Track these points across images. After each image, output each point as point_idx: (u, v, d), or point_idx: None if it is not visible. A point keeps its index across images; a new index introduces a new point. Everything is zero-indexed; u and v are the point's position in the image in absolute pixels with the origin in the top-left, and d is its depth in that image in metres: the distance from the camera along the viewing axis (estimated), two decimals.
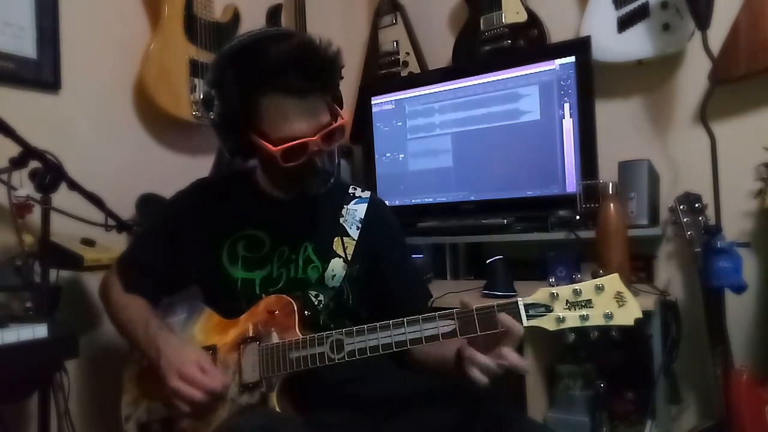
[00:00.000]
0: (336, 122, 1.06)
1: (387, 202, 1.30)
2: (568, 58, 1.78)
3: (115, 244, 1.48)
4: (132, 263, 1.22)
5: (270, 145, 1.01)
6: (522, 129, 1.86)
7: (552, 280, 0.89)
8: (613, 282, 0.87)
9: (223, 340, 1.09)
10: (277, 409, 0.99)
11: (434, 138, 2.03)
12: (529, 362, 1.54)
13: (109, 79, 1.76)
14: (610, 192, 1.48)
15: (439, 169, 2.02)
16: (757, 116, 1.73)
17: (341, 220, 1.19)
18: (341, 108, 1.12)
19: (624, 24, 1.79)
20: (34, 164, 1.29)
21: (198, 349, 1.08)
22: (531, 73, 1.85)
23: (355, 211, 1.20)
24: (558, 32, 1.98)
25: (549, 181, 1.82)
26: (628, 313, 0.85)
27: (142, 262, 1.20)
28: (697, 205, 1.53)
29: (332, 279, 1.14)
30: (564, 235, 1.74)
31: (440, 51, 2.25)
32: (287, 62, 0.97)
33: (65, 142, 1.48)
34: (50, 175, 1.29)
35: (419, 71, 2.24)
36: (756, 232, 1.72)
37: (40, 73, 1.58)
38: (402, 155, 2.10)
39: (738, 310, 1.66)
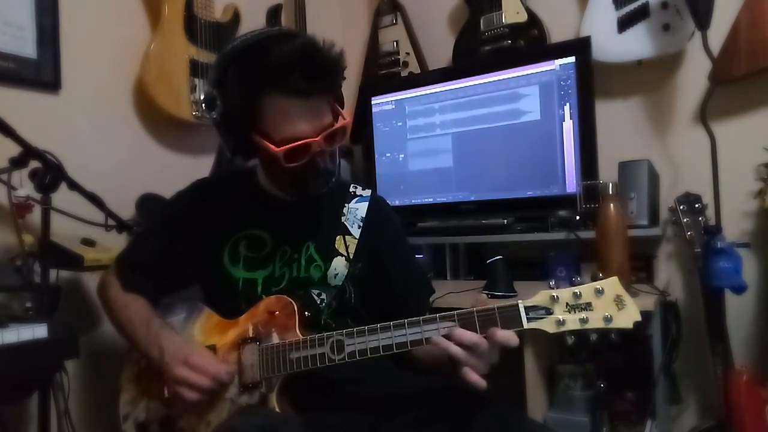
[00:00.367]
0: (338, 123, 1.06)
1: (387, 202, 1.30)
2: (568, 58, 1.78)
3: (115, 244, 1.47)
4: (131, 263, 1.22)
5: (273, 146, 1.02)
6: (522, 129, 1.86)
7: (552, 282, 0.90)
8: (612, 285, 0.87)
9: (222, 341, 1.09)
10: (277, 410, 0.99)
11: (434, 138, 2.03)
12: (529, 362, 1.54)
13: (109, 79, 1.76)
14: (610, 192, 1.48)
15: (439, 169, 2.02)
16: (757, 116, 1.74)
17: (343, 218, 1.19)
18: (343, 108, 1.12)
19: (624, 24, 1.79)
20: (34, 164, 1.29)
21: (198, 345, 1.08)
22: (531, 74, 1.85)
23: (357, 210, 1.20)
24: (558, 32, 1.98)
25: (549, 182, 1.82)
26: (627, 316, 0.86)
27: (142, 261, 1.20)
28: (697, 205, 1.53)
29: (335, 278, 1.14)
30: (564, 235, 1.75)
31: (440, 51, 2.25)
32: (291, 63, 0.97)
33: (65, 142, 1.48)
34: (50, 175, 1.29)
35: (419, 71, 2.24)
36: (756, 233, 1.72)
37: (40, 73, 1.58)
38: (402, 155, 2.11)
39: (738, 310, 1.66)
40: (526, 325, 0.88)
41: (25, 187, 1.32)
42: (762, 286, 1.69)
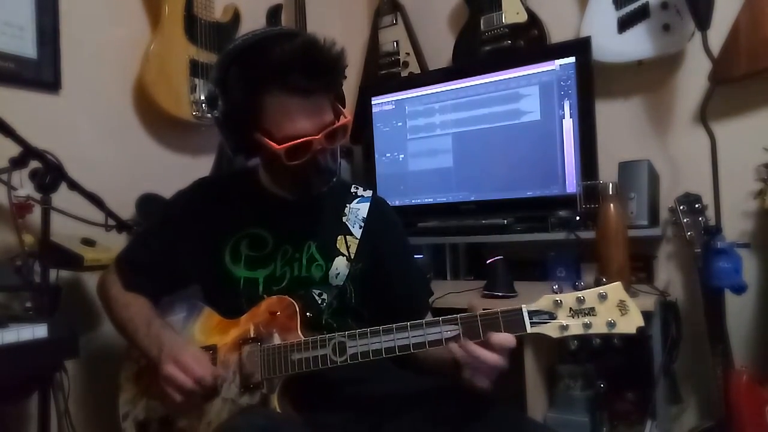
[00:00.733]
0: (339, 121, 1.06)
1: (388, 203, 1.30)
2: (568, 58, 1.78)
3: (115, 244, 1.47)
4: (131, 262, 1.21)
5: (274, 144, 1.02)
6: (522, 129, 1.86)
7: (555, 287, 0.90)
8: (616, 290, 0.87)
9: (223, 340, 1.09)
10: (278, 410, 0.99)
11: (434, 138, 2.03)
12: (529, 362, 1.54)
13: (109, 79, 1.76)
14: (610, 192, 1.48)
15: (440, 169, 2.02)
16: (757, 116, 1.74)
17: (344, 219, 1.19)
18: (344, 106, 1.12)
19: (624, 24, 1.79)
20: (34, 164, 1.29)
21: (198, 346, 1.08)
22: (531, 74, 1.85)
23: (358, 210, 1.20)
24: (558, 32, 1.98)
25: (549, 182, 1.82)
26: (631, 322, 0.86)
27: (142, 261, 1.20)
28: (697, 205, 1.53)
29: (336, 277, 1.14)
30: (564, 235, 1.75)
31: (440, 51, 2.25)
32: (292, 62, 0.98)
33: (65, 142, 1.48)
34: (50, 175, 1.29)
35: (419, 71, 2.24)
36: (756, 233, 1.73)
37: (40, 73, 1.58)
38: (402, 155, 2.10)
39: (738, 310, 1.66)
40: (529, 329, 0.88)
41: (25, 187, 1.32)
42: (762, 286, 1.69)
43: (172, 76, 1.79)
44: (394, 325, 0.94)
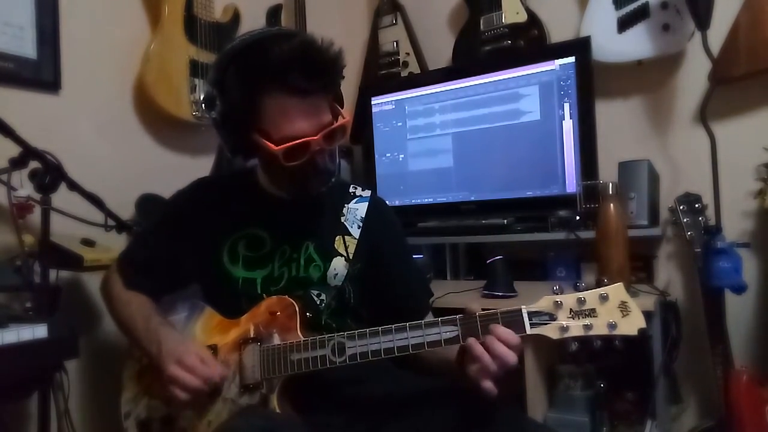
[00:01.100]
0: (337, 121, 1.06)
1: (387, 203, 1.30)
2: (568, 58, 1.78)
3: (115, 244, 1.47)
4: (132, 261, 1.22)
5: (272, 144, 1.01)
6: (522, 129, 1.86)
7: (556, 288, 0.89)
8: (617, 291, 0.87)
9: (224, 340, 1.09)
10: (278, 411, 0.99)
11: (434, 138, 2.03)
12: (529, 362, 1.54)
13: (109, 79, 1.76)
14: (610, 192, 1.48)
15: (440, 169, 2.02)
16: (757, 116, 1.74)
17: (342, 219, 1.19)
18: (342, 107, 1.12)
19: (624, 24, 1.79)
20: (34, 164, 1.29)
21: (199, 344, 1.08)
22: (531, 74, 1.85)
23: (356, 210, 1.20)
24: (558, 32, 1.98)
25: (549, 182, 1.82)
26: (632, 323, 0.85)
27: (142, 260, 1.20)
28: (697, 205, 1.53)
29: (334, 278, 1.14)
30: (564, 235, 1.75)
31: (440, 51, 2.25)
32: (290, 62, 0.97)
33: (65, 142, 1.48)
34: (50, 175, 1.29)
35: (419, 71, 2.24)
36: (756, 233, 1.73)
37: (40, 73, 1.58)
38: (402, 155, 2.10)
39: (738, 310, 1.66)
40: (529, 330, 0.88)
41: (25, 188, 1.32)
42: (762, 286, 1.69)
43: (172, 76, 1.79)
44: (393, 326, 0.94)
